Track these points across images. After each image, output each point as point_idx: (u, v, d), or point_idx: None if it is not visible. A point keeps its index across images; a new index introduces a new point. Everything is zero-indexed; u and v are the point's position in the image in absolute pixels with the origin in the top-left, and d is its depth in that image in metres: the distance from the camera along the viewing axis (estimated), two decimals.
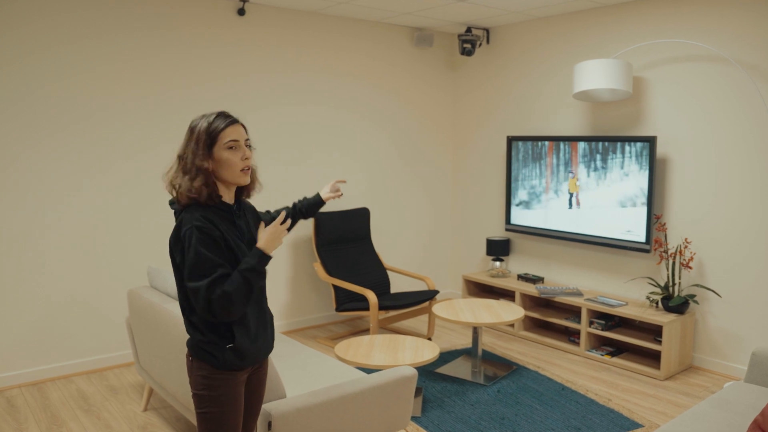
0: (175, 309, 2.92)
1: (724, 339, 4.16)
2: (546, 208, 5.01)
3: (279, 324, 5.05)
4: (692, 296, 4.17)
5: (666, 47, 4.32)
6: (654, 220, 4.41)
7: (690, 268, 4.18)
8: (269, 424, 2.32)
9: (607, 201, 4.58)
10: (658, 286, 4.27)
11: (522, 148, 5.14)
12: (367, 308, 4.59)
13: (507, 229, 5.34)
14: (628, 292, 4.66)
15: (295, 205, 2.41)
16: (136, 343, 3.46)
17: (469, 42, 5.31)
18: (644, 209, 4.35)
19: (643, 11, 4.43)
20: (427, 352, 3.43)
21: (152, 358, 3.19)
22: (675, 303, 4.12)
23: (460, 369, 4.19)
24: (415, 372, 2.79)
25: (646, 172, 4.31)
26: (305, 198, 2.42)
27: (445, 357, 4.46)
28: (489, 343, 4.82)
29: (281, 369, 3.09)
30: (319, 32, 5.00)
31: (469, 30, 5.34)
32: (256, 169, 2.06)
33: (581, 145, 4.70)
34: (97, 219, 4.15)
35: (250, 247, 1.98)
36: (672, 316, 4.11)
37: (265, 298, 2.07)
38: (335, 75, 5.13)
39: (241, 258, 1.90)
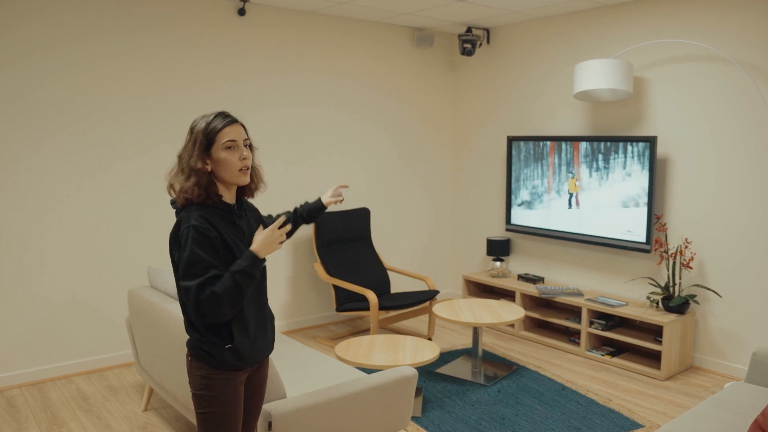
0: (175, 309, 2.92)
1: (725, 339, 4.16)
2: (548, 208, 5.01)
3: (279, 324, 5.05)
4: (693, 296, 4.17)
5: (666, 47, 4.32)
6: (654, 220, 4.41)
7: (690, 268, 4.18)
8: (269, 425, 2.32)
9: (609, 201, 4.58)
10: (659, 286, 4.27)
11: (524, 148, 5.14)
12: (367, 308, 4.59)
13: (507, 229, 5.34)
14: (629, 293, 4.66)
15: (296, 209, 2.40)
16: (136, 343, 3.46)
17: (469, 42, 5.31)
18: (645, 209, 4.35)
19: (643, 11, 4.42)
20: (428, 352, 3.43)
21: (152, 358, 3.19)
22: (675, 303, 4.12)
23: (460, 369, 4.19)
24: (415, 372, 2.79)
25: (647, 172, 4.31)
26: (306, 203, 2.42)
27: (446, 357, 4.45)
28: (489, 343, 4.82)
29: (281, 369, 3.09)
30: (320, 32, 5.00)
31: (469, 30, 5.34)
32: (259, 169, 2.06)
33: (583, 145, 4.70)
34: (97, 219, 4.15)
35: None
36: (672, 317, 4.11)
37: (266, 299, 2.07)
38: (335, 75, 5.13)
39: (239, 258, 1.90)
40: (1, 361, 3.90)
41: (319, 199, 2.41)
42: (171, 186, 1.92)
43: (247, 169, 1.93)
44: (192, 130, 1.91)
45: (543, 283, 5.11)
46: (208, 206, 1.90)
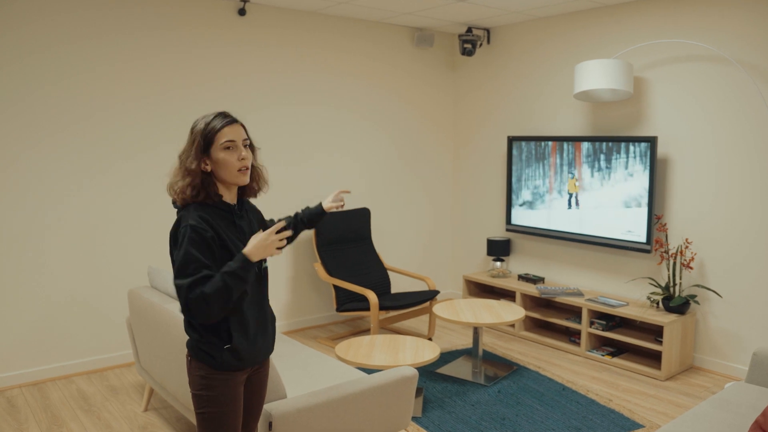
0: (175, 309, 2.92)
1: (725, 339, 4.16)
2: (549, 209, 5.01)
3: (279, 324, 5.05)
4: (693, 296, 4.16)
5: (666, 47, 4.32)
6: (655, 220, 4.40)
7: (691, 268, 4.17)
8: (270, 425, 2.32)
9: (610, 201, 4.58)
10: (659, 286, 4.27)
11: (525, 149, 5.14)
12: (367, 308, 4.59)
13: (507, 230, 5.34)
14: (629, 293, 4.66)
15: (297, 214, 2.37)
16: (136, 343, 3.46)
17: (469, 42, 5.31)
18: (646, 209, 4.35)
19: (643, 11, 4.42)
20: (428, 353, 3.43)
21: (152, 358, 3.19)
22: (676, 303, 4.12)
23: (460, 369, 4.19)
24: (415, 372, 2.79)
25: (647, 172, 4.31)
26: (308, 207, 2.39)
27: (446, 357, 4.45)
28: (489, 343, 4.81)
29: (282, 369, 3.09)
30: (320, 32, 5.00)
31: (469, 30, 5.34)
32: (262, 170, 2.05)
33: (584, 145, 4.70)
34: (97, 219, 4.15)
35: None
36: (673, 317, 4.11)
37: (267, 300, 2.06)
38: (335, 75, 5.13)
39: None
40: (1, 361, 3.90)
41: (320, 204, 2.37)
42: (171, 186, 1.92)
43: (247, 169, 1.93)
44: (192, 130, 1.91)
45: (543, 283, 5.11)
46: (208, 206, 1.90)
